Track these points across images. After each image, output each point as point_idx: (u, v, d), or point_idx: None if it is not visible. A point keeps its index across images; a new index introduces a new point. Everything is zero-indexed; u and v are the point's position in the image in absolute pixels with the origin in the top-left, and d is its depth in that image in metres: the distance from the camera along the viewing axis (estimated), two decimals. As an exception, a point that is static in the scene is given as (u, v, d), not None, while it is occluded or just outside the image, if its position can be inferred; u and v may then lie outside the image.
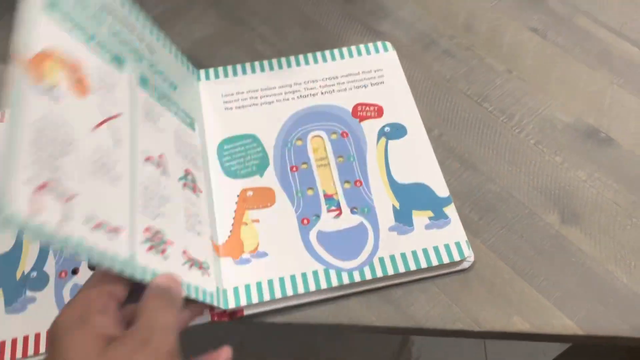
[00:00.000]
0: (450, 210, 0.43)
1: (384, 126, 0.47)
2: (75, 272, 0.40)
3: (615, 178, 0.45)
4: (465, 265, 0.41)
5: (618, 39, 0.54)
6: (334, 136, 0.46)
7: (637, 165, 0.46)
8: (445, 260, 0.40)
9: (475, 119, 0.49)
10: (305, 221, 0.42)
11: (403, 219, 0.42)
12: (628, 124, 0.48)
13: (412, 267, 0.40)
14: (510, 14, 0.55)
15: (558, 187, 0.45)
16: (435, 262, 0.40)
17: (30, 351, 0.37)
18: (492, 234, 0.43)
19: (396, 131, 0.46)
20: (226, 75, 0.50)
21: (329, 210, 0.43)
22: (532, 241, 0.43)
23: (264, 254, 0.41)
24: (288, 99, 0.48)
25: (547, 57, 0.52)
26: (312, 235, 0.41)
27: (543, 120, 0.49)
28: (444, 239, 0.41)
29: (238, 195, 0.43)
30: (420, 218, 0.42)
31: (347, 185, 0.44)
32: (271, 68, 0.50)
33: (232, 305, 0.38)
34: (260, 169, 0.44)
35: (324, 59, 0.51)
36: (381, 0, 0.57)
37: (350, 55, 0.51)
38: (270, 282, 0.39)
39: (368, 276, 0.39)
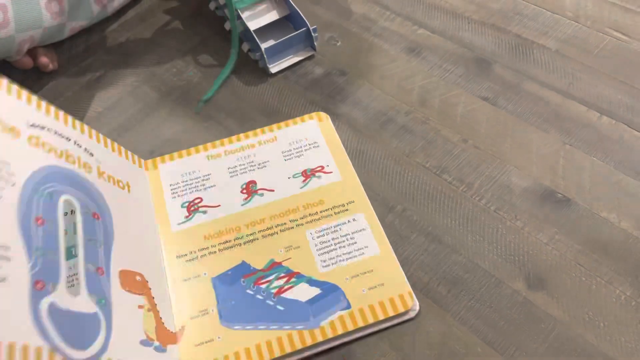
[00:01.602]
0: None
1: None
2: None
3: (576, 238, 0.47)
4: None
5: (566, 100, 0.56)
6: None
7: (595, 223, 0.47)
8: None
9: (436, 191, 0.51)
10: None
11: None
12: (583, 183, 0.50)
13: None
14: (461, 85, 0.58)
15: (521, 253, 0.46)
16: None
17: None
18: (461, 307, 0.44)
19: None
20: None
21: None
22: (501, 310, 0.43)
23: None
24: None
25: (500, 123, 0.55)
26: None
27: (501, 186, 0.50)
28: None
29: None
30: None
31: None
32: None
33: None
34: None
35: None
36: (339, 84, 0.60)
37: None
38: None
39: None
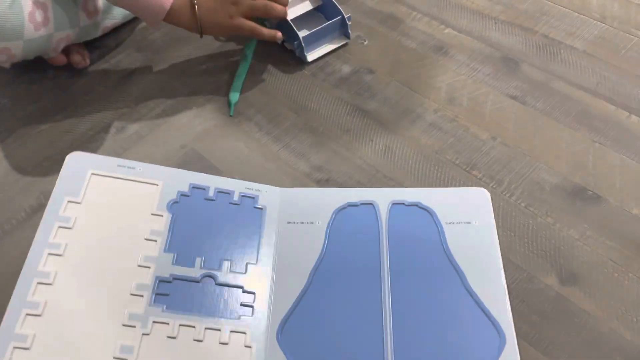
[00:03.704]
0: None
1: None
2: None
3: (607, 235, 0.47)
4: None
5: (595, 99, 0.56)
6: None
7: (626, 220, 0.48)
8: None
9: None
10: None
11: None
12: (613, 180, 0.50)
13: None
14: (489, 83, 0.59)
15: (553, 248, 0.47)
16: None
17: None
18: (493, 301, 0.44)
19: None
20: None
21: None
22: (534, 305, 0.44)
23: None
24: None
25: (529, 121, 0.55)
26: None
27: (531, 183, 0.51)
28: None
29: None
30: None
31: None
32: None
33: None
34: None
35: None
36: (367, 82, 0.60)
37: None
38: None
39: None
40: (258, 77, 0.62)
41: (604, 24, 0.63)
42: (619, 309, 0.43)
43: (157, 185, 0.48)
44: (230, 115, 0.58)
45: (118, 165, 0.48)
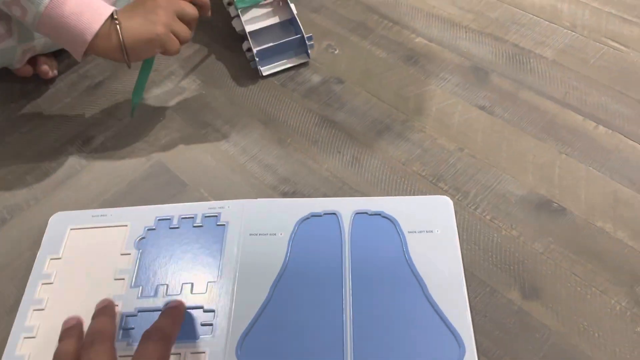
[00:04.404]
0: None
1: None
2: None
3: (571, 248, 0.47)
4: None
5: (562, 109, 0.56)
6: None
7: (591, 233, 0.47)
8: None
9: (433, 200, 0.51)
10: None
11: None
12: (579, 193, 0.50)
13: None
14: (458, 93, 0.58)
15: (516, 262, 0.46)
16: None
17: None
18: (456, 316, 0.44)
19: None
20: None
21: None
22: (496, 320, 0.43)
23: None
24: None
25: (496, 132, 0.55)
26: None
27: (497, 195, 0.50)
28: None
29: None
30: None
31: None
32: None
33: None
34: None
35: None
36: (336, 92, 0.60)
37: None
38: None
39: None
40: (227, 88, 0.62)
41: (574, 33, 0.63)
42: (580, 324, 0.43)
43: (126, 226, 0.49)
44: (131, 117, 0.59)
45: (92, 216, 0.51)
